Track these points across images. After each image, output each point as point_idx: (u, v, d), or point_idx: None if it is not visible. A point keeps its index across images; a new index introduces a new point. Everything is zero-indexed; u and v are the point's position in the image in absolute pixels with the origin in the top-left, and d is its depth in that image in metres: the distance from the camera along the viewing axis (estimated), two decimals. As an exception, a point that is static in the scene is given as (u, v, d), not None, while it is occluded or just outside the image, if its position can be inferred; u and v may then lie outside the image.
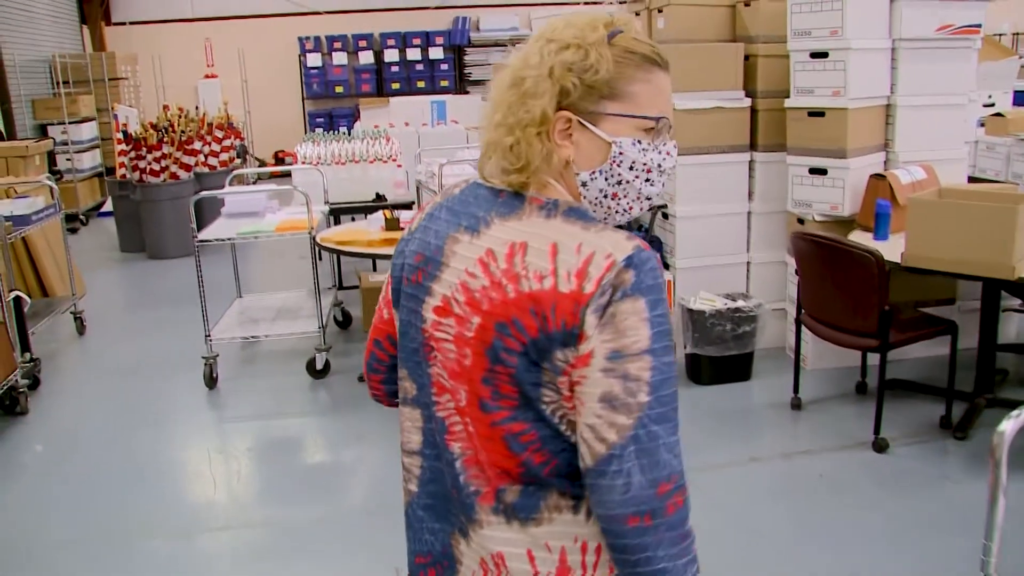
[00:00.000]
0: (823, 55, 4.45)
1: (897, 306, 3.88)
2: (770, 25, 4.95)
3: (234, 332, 5.07)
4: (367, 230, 4.81)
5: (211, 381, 4.87)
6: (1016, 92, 6.90)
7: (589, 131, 1.23)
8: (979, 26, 4.59)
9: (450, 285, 1.25)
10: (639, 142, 1.25)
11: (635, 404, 1.14)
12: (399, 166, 5.95)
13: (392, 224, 4.72)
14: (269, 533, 3.48)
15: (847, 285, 3.88)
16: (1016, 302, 4.71)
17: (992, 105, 6.05)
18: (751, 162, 4.99)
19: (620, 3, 6.42)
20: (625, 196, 1.28)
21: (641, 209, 1.31)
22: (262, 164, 12.26)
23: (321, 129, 12.59)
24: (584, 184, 1.26)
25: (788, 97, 4.69)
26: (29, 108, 10.52)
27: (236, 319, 5.31)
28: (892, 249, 3.89)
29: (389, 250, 4.53)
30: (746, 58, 4.97)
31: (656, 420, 1.15)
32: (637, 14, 5.72)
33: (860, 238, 4.17)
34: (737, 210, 5.04)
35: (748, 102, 4.91)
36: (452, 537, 1.34)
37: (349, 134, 6.48)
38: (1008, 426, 1.53)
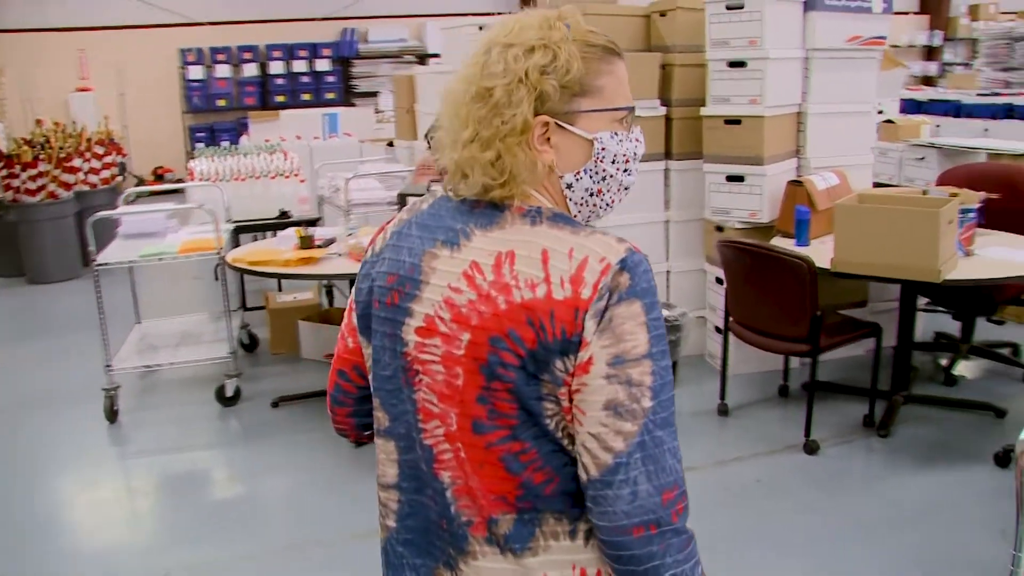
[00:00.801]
0: (741, 64, 4.50)
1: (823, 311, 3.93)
2: (686, 35, 4.98)
3: (137, 361, 4.75)
4: (279, 249, 4.58)
5: (112, 414, 4.53)
6: (903, 100, 7.20)
7: (568, 132, 1.21)
8: (884, 38, 4.75)
9: (433, 303, 1.20)
10: (616, 134, 1.25)
11: (639, 410, 1.12)
12: (302, 181, 5.73)
13: (306, 242, 4.52)
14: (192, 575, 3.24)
15: (777, 291, 3.91)
16: (924, 302, 4.86)
17: (882, 112, 6.27)
18: (667, 171, 5.01)
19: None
20: (608, 191, 1.27)
21: (620, 201, 1.31)
22: (140, 182, 11.70)
23: (203, 144, 12.16)
24: (570, 186, 1.24)
25: (703, 106, 4.72)
26: None
27: (136, 347, 4.98)
28: (813, 254, 3.93)
29: (306, 269, 4.33)
30: (662, 67, 4.98)
31: (660, 425, 1.13)
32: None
33: (780, 244, 4.22)
34: (655, 219, 5.05)
35: (663, 111, 4.93)
36: (435, 572, 1.29)
37: (234, 148, 6.22)
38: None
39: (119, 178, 8.61)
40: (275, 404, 4.62)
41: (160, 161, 12.75)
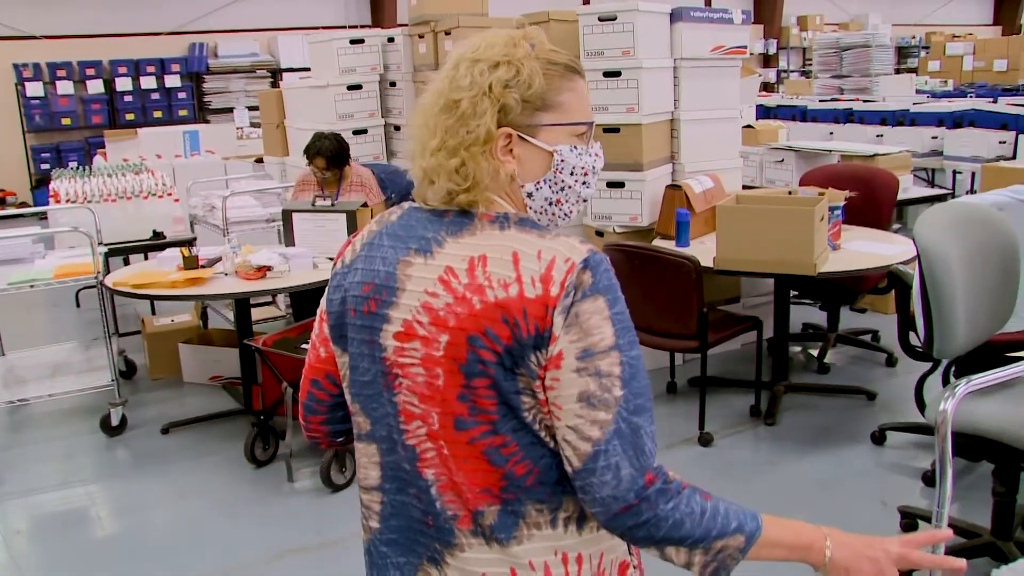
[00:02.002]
0: (616, 74, 4.67)
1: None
2: (558, 45, 5.06)
3: (6, 395, 4.47)
4: (161, 271, 4.42)
5: (-13, 454, 4.26)
6: (758, 106, 7.60)
7: (529, 144, 1.28)
8: (745, 47, 5.03)
9: (410, 308, 1.25)
10: (575, 148, 1.32)
11: (611, 399, 1.18)
12: (176, 200, 5.54)
13: (191, 263, 4.37)
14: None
15: (664, 291, 4.07)
16: (792, 295, 5.16)
17: (742, 118, 6.61)
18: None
19: (363, 27, 6.39)
20: (567, 201, 1.34)
21: (579, 211, 1.40)
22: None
23: (48, 165, 11.51)
24: (530, 195, 1.31)
25: (581, 115, 4.86)
26: None
27: (2, 380, 4.69)
28: (694, 254, 4.11)
29: (194, 290, 4.19)
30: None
31: (634, 412, 1.20)
32: (421, 37, 5.73)
33: (662, 246, 4.39)
34: (536, 226, 5.15)
35: (543, 120, 5.04)
36: (420, 569, 1.34)
37: (83, 169, 5.96)
38: (949, 405, 1.66)
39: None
40: (165, 430, 4.45)
41: (2, 184, 11.98)
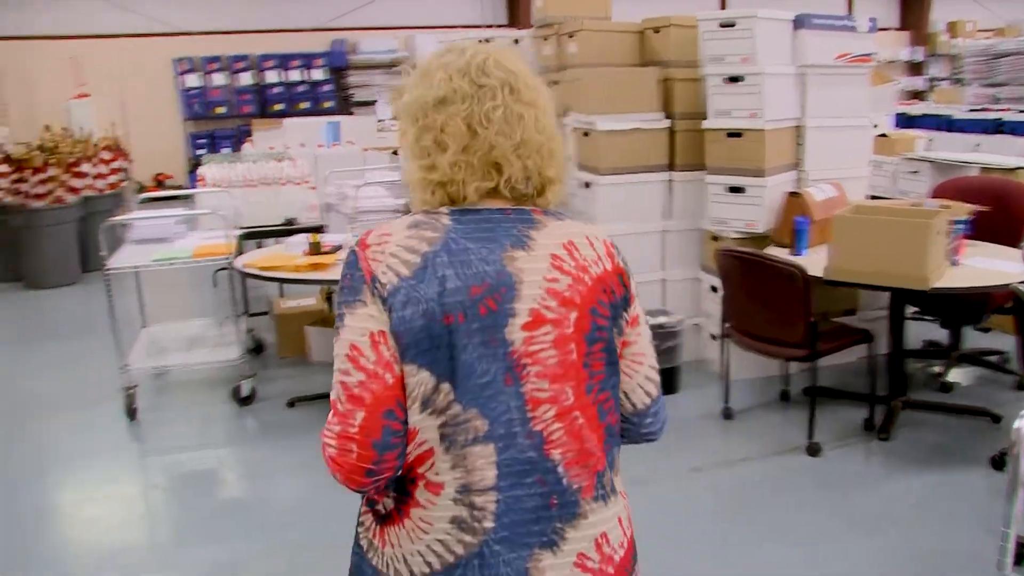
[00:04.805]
0: (738, 79, 4.66)
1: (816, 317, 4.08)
2: (680, 51, 5.15)
3: (148, 362, 4.84)
4: (289, 255, 4.69)
5: (131, 412, 4.63)
6: (896, 114, 7.38)
7: None
8: (871, 55, 4.92)
9: (534, 297, 1.34)
10: None
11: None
12: (312, 188, 5.83)
13: (316, 248, 4.62)
14: (209, 573, 3.33)
15: (772, 298, 4.06)
16: (912, 311, 5.02)
17: (876, 127, 6.44)
18: (669, 181, 5.15)
19: (500, 28, 6.50)
20: None
21: None
22: (141, 187, 11.73)
23: (205, 151, 12.21)
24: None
25: (703, 118, 4.88)
26: None
27: (146, 350, 5.06)
28: (808, 263, 4.07)
29: (316, 275, 4.44)
30: (661, 81, 5.13)
31: None
32: (546, 39, 5.84)
33: (777, 253, 4.36)
34: (654, 228, 5.19)
35: (667, 123, 5.08)
36: (530, 560, 1.37)
37: (231, 156, 6.30)
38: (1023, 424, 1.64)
39: (124, 184, 8.69)
40: (291, 404, 4.73)
41: (159, 167, 12.80)
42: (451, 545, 1.37)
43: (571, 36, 5.41)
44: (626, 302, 1.43)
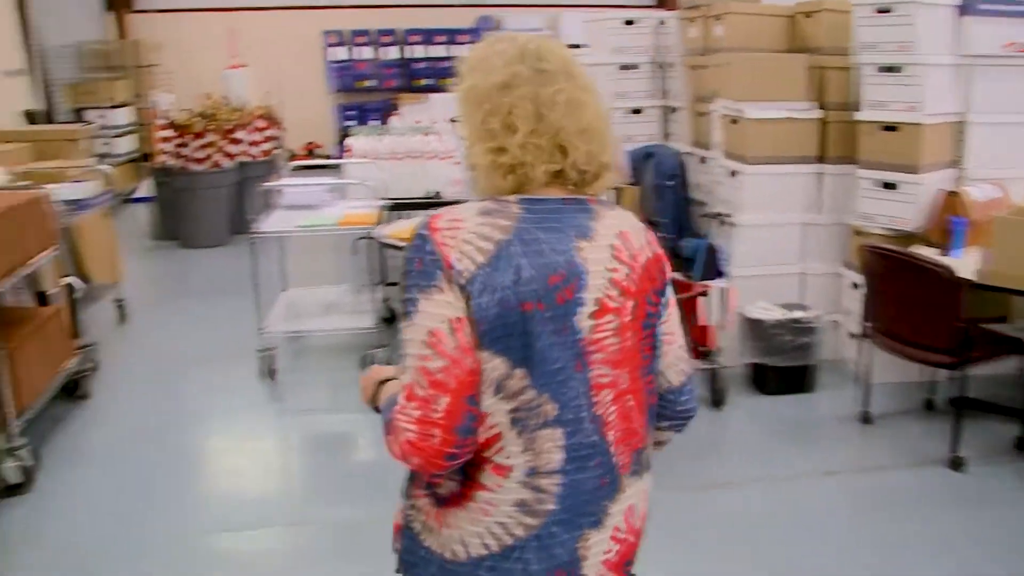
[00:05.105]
0: (895, 69, 4.44)
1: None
2: (832, 36, 4.95)
3: (286, 325, 5.03)
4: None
5: (270, 373, 4.84)
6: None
7: None
8: (1049, 45, 4.59)
9: (599, 287, 1.40)
10: None
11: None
12: (456, 163, 5.90)
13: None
14: (333, 531, 3.46)
15: (918, 300, 3.87)
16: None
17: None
18: (819, 173, 4.97)
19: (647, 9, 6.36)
20: None
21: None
22: (292, 155, 12.18)
23: (354, 123, 12.56)
24: None
25: (856, 109, 4.68)
26: (67, 93, 10.43)
27: (284, 313, 5.26)
28: (961, 265, 3.86)
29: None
30: (812, 69, 4.95)
31: None
32: (692, 21, 5.72)
33: (921, 252, 4.15)
34: (798, 220, 5.03)
35: (818, 113, 4.90)
36: (580, 540, 1.44)
37: (378, 128, 6.42)
38: None
39: (277, 151, 9.05)
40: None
41: (309, 137, 13.24)
42: (511, 528, 1.40)
43: (718, 19, 5.28)
44: (666, 286, 1.52)
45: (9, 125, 8.29)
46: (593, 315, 1.39)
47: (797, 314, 4.62)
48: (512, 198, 1.41)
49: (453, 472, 1.41)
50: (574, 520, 1.43)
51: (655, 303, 1.48)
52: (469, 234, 1.35)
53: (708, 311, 4.49)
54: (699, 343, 4.46)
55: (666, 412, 1.59)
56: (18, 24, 9.46)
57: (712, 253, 4.80)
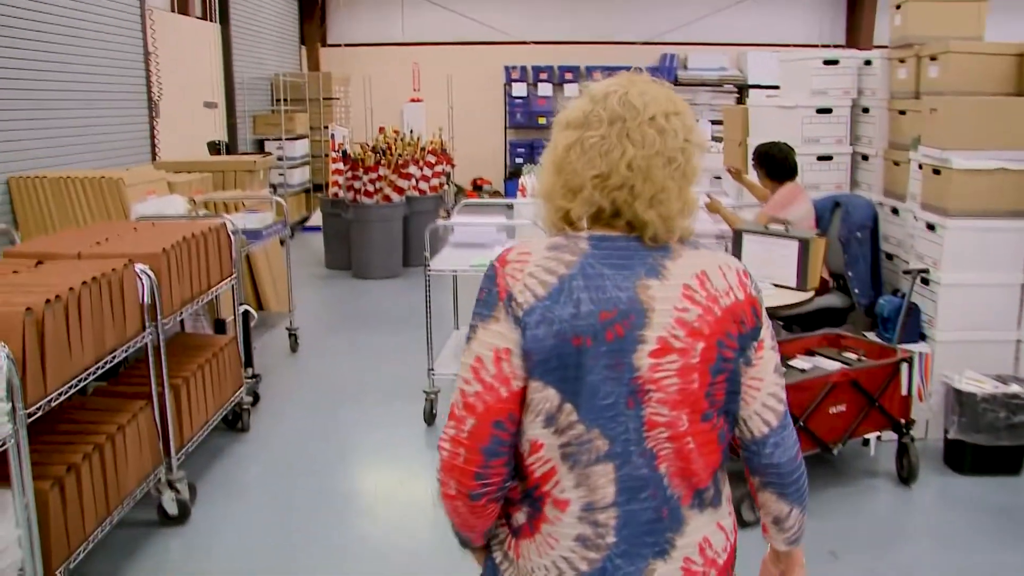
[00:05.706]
0: None
1: None
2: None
3: (455, 368, 4.91)
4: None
5: (430, 417, 4.73)
6: None
7: None
8: None
9: (663, 326, 1.37)
10: None
11: (781, 368, 1.51)
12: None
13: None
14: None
15: None
16: None
17: None
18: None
19: (836, 47, 5.93)
20: None
21: None
22: (459, 190, 12.32)
23: (521, 160, 12.60)
24: None
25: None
26: (250, 124, 10.97)
27: (454, 353, 5.16)
28: None
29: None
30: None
31: None
32: (902, 61, 5.26)
33: None
34: (1012, 280, 4.48)
35: (1038, 164, 4.36)
36: (646, 571, 1.43)
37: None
38: None
39: (445, 187, 9.12)
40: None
41: (478, 172, 13.39)
42: (575, 563, 1.44)
43: (934, 59, 4.82)
44: (756, 332, 1.45)
45: (197, 154, 8.74)
46: (653, 354, 1.37)
47: (1012, 388, 4.10)
48: (583, 234, 1.44)
49: (524, 503, 1.47)
50: (636, 551, 1.43)
51: (732, 348, 1.42)
52: (535, 267, 1.40)
53: (910, 380, 4.04)
54: (896, 415, 4.01)
55: (752, 464, 1.53)
56: (220, 58, 10.02)
57: (911, 314, 4.35)
